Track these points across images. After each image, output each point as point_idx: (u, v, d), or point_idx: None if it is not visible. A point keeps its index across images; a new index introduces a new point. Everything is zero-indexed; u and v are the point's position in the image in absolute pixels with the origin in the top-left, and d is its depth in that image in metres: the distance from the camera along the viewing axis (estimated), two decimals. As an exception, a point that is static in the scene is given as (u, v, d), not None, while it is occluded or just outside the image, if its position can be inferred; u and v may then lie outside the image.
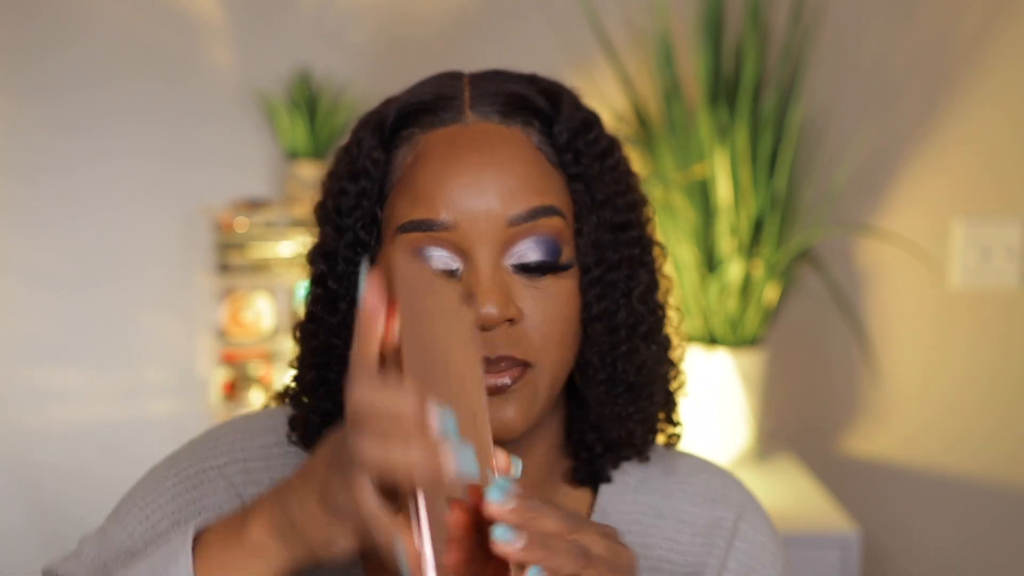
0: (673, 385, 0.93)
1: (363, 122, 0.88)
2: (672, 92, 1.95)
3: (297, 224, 1.95)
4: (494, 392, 0.81)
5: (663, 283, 0.91)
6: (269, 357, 1.98)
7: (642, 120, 1.99)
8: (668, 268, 0.92)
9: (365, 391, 0.64)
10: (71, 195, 2.05)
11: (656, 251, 0.91)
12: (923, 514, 2.17)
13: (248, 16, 2.05)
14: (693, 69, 1.99)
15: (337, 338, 0.85)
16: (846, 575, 1.75)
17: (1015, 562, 2.18)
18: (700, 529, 0.94)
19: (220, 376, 1.98)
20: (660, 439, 0.95)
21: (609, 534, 0.73)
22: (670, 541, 0.93)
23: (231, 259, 1.97)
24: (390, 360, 0.66)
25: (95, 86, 2.03)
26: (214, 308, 2.00)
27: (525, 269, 0.83)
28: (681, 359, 0.94)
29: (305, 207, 1.95)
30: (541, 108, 0.86)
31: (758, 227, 1.91)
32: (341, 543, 0.70)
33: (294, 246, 1.96)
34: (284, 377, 1.95)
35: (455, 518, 0.66)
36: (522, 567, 0.66)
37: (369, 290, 0.66)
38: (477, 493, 0.67)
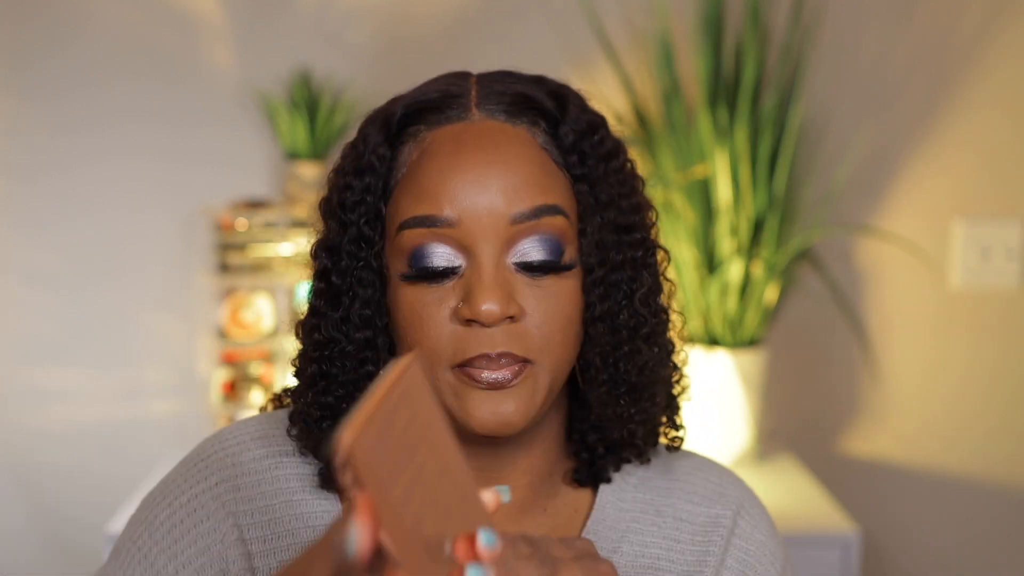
0: (676, 389, 0.93)
1: (370, 119, 0.89)
2: (672, 92, 1.95)
3: (297, 224, 1.95)
4: (494, 387, 0.81)
5: (666, 287, 0.91)
6: (269, 357, 1.98)
7: (642, 120, 1.99)
8: (669, 270, 0.92)
9: None
10: (71, 195, 2.06)
11: (660, 255, 0.90)
12: (923, 514, 2.17)
13: (248, 16, 2.05)
14: (693, 69, 1.99)
15: (339, 332, 0.86)
16: (846, 575, 1.75)
17: (1015, 562, 2.18)
18: (699, 527, 0.94)
19: (220, 376, 1.98)
20: (663, 442, 0.95)
21: (587, 552, 0.72)
22: (669, 540, 0.93)
23: (231, 259, 1.97)
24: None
25: (95, 86, 2.04)
26: (214, 308, 2.00)
27: (527, 268, 0.83)
28: (684, 363, 0.94)
29: (305, 207, 1.95)
30: (548, 109, 0.86)
31: (758, 227, 1.91)
32: None
33: (294, 246, 1.96)
34: (284, 378, 1.95)
35: None
36: None
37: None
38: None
